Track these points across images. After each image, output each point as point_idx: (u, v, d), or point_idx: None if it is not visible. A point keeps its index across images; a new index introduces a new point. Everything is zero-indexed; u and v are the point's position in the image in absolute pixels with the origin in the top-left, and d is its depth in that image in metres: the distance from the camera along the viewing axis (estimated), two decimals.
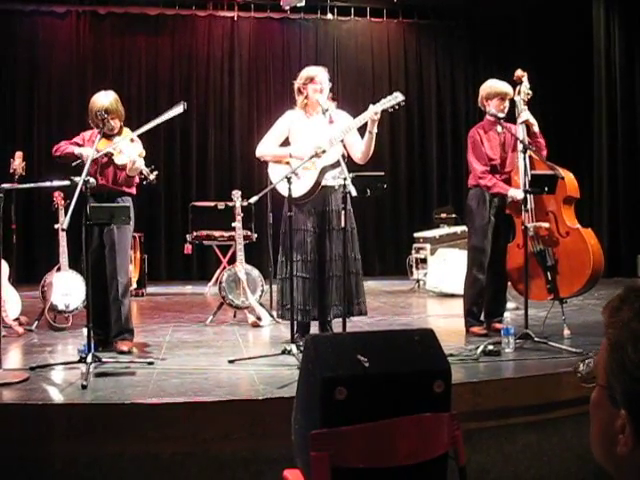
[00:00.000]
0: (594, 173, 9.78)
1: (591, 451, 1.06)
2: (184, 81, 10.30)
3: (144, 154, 4.67)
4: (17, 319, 5.49)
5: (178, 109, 4.51)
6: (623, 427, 0.96)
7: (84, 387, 3.45)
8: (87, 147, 4.55)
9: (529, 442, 3.54)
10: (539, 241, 4.84)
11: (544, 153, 4.97)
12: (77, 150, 4.56)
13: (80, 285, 5.63)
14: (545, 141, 5.05)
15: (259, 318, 5.77)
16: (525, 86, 5.02)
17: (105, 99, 4.61)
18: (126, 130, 4.74)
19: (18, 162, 6.18)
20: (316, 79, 4.65)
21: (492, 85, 5.09)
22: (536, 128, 4.96)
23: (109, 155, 4.58)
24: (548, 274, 4.79)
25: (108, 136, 4.62)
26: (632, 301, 0.99)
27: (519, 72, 5.08)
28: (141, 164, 4.53)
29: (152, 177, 4.52)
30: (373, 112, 4.41)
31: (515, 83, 5.08)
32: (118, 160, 4.57)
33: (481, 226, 5.00)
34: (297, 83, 4.75)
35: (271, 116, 5.04)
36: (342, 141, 4.61)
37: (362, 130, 4.62)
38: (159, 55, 10.26)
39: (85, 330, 4.03)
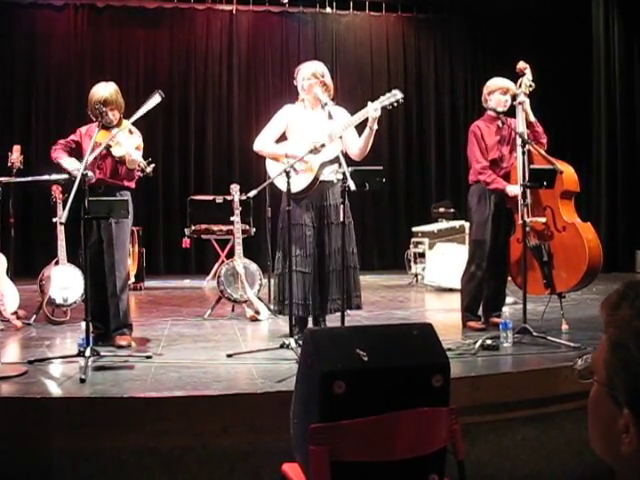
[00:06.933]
0: (593, 168, 9.78)
1: (590, 446, 1.05)
2: (182, 75, 10.28)
3: (142, 146, 4.66)
4: (15, 313, 5.48)
5: (155, 99, 4.49)
6: (627, 427, 0.94)
7: (82, 381, 3.44)
8: (74, 160, 4.54)
9: (527, 436, 3.55)
10: (535, 236, 4.84)
11: (544, 141, 4.96)
12: (64, 164, 4.55)
13: (78, 279, 5.62)
14: (543, 129, 5.04)
15: (257, 312, 5.77)
16: (527, 78, 4.98)
17: (105, 90, 4.58)
18: (125, 122, 4.72)
19: (16, 155, 6.16)
20: (301, 74, 4.66)
21: (494, 81, 5.10)
22: (532, 117, 4.94)
23: (107, 147, 4.56)
24: (544, 269, 4.79)
25: (107, 128, 4.59)
26: (632, 298, 0.98)
27: (522, 64, 5.02)
28: (138, 156, 4.51)
29: (149, 169, 4.51)
30: (372, 110, 4.40)
31: (517, 75, 5.05)
32: (115, 152, 4.55)
33: (481, 222, 5.00)
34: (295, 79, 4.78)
35: (269, 110, 5.02)
36: (340, 137, 4.60)
37: (358, 127, 4.61)
38: (157, 48, 10.24)
39: (84, 324, 4.03)
